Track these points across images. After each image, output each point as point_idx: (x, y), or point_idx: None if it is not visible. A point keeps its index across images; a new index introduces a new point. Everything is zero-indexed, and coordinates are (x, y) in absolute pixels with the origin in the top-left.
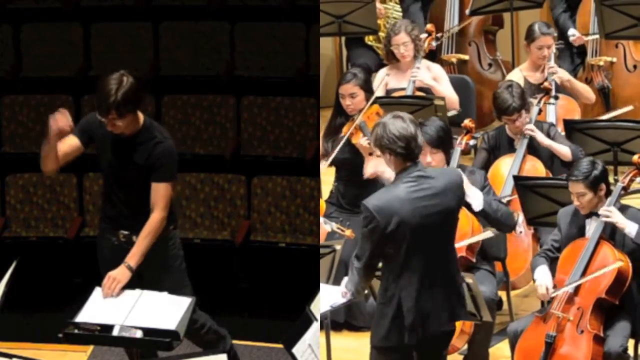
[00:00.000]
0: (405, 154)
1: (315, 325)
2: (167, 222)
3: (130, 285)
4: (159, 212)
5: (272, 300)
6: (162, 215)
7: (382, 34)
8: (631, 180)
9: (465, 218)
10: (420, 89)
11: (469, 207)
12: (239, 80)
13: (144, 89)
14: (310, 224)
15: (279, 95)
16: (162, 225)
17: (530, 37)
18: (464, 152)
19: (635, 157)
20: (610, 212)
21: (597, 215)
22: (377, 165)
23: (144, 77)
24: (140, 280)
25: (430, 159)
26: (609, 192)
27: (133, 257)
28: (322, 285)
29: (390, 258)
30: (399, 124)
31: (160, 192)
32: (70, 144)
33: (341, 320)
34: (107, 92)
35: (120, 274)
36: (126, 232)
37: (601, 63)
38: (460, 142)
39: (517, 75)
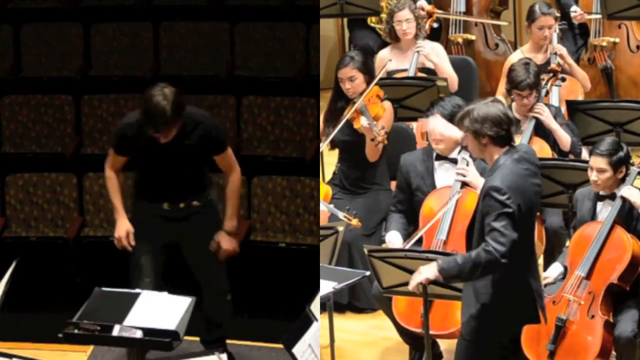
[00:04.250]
0: (505, 136)
1: (316, 325)
2: (209, 190)
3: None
4: (236, 171)
5: (272, 300)
6: (239, 171)
7: (384, 16)
8: None
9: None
10: (421, 70)
11: None
12: (239, 80)
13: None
14: (310, 224)
15: (279, 95)
16: (241, 181)
17: (530, 17)
18: None
19: None
20: (631, 191)
21: (611, 198)
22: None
23: (144, 77)
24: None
25: None
26: (624, 178)
27: (231, 220)
28: (324, 267)
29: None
30: (493, 108)
31: (227, 159)
32: (119, 161)
33: (344, 302)
34: (161, 109)
35: (228, 242)
36: (170, 202)
37: (604, 44)
38: None
39: (518, 57)
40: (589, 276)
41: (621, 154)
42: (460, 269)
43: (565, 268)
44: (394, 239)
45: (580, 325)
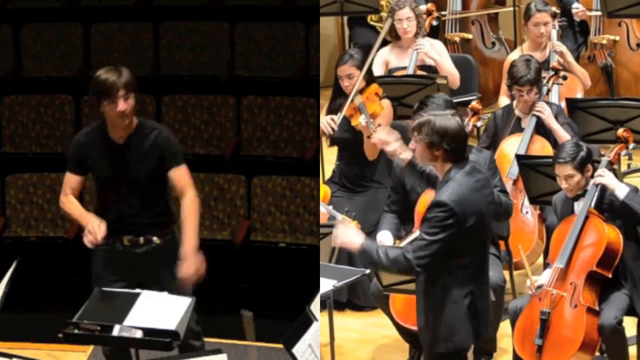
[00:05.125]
0: (460, 152)
1: (316, 325)
2: (172, 227)
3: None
4: (192, 191)
5: (272, 300)
6: (195, 192)
7: (384, 14)
8: (617, 154)
9: None
10: (422, 67)
11: None
12: (239, 80)
13: (145, 89)
14: (310, 224)
15: (279, 95)
16: (198, 202)
17: (527, 14)
18: (470, 134)
19: (620, 131)
20: (603, 173)
21: (584, 195)
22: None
23: (144, 77)
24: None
25: None
26: (592, 174)
27: (190, 241)
28: (324, 265)
29: (463, 254)
30: (453, 122)
31: (183, 175)
32: (74, 181)
33: (344, 300)
34: (111, 74)
35: (195, 263)
36: (130, 237)
37: (604, 41)
38: (467, 124)
39: (518, 55)
40: (567, 267)
41: (582, 154)
42: (377, 260)
43: None
44: (384, 238)
45: (564, 317)
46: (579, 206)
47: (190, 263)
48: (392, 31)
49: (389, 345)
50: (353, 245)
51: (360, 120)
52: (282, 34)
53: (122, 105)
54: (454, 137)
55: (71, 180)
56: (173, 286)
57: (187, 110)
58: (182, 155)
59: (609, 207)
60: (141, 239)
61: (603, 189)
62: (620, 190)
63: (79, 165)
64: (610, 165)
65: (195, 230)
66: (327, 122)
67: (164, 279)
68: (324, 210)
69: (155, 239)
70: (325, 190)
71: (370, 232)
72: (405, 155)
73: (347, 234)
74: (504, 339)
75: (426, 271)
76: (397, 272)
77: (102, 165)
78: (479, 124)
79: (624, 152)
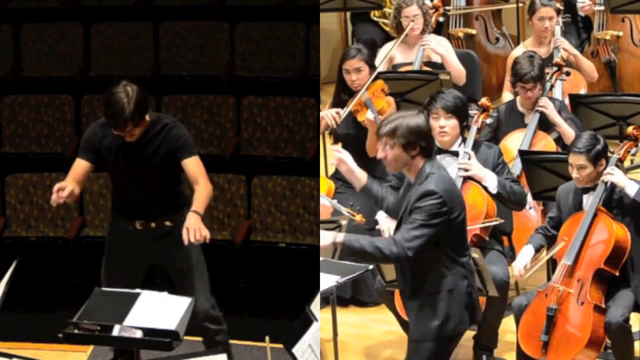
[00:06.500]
0: (432, 147)
1: (316, 325)
2: (185, 211)
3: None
4: (204, 179)
5: (272, 300)
6: (207, 181)
7: (387, 10)
8: (627, 152)
9: (481, 197)
10: (427, 64)
11: (485, 188)
12: (239, 80)
13: (145, 89)
14: (310, 224)
15: (279, 95)
16: (210, 189)
17: (531, 9)
18: (480, 130)
19: (629, 129)
20: (612, 171)
21: (594, 189)
22: None
23: (144, 77)
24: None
25: (444, 123)
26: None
27: (199, 207)
28: (327, 260)
29: (454, 243)
30: (422, 119)
31: (196, 165)
32: (81, 168)
33: (347, 296)
34: (121, 106)
35: (195, 221)
36: (142, 221)
37: (607, 37)
38: (477, 120)
39: (521, 51)
40: (575, 264)
41: (599, 147)
42: (363, 252)
43: (537, 250)
44: (385, 219)
45: (570, 313)
46: (587, 200)
47: (193, 221)
48: (399, 27)
49: (392, 341)
50: (325, 243)
51: (367, 116)
52: (282, 34)
53: (127, 136)
54: (427, 134)
55: (78, 167)
56: (184, 267)
57: (187, 110)
58: (194, 146)
59: (618, 205)
60: (152, 224)
61: (612, 187)
62: (631, 188)
63: (89, 152)
64: (620, 163)
65: (203, 205)
66: (332, 115)
67: (176, 259)
68: (329, 204)
69: (167, 223)
70: (329, 185)
71: (374, 227)
72: (362, 175)
73: (322, 234)
74: (507, 335)
75: (415, 257)
76: (382, 256)
77: (114, 157)
78: (488, 120)
79: (633, 150)
